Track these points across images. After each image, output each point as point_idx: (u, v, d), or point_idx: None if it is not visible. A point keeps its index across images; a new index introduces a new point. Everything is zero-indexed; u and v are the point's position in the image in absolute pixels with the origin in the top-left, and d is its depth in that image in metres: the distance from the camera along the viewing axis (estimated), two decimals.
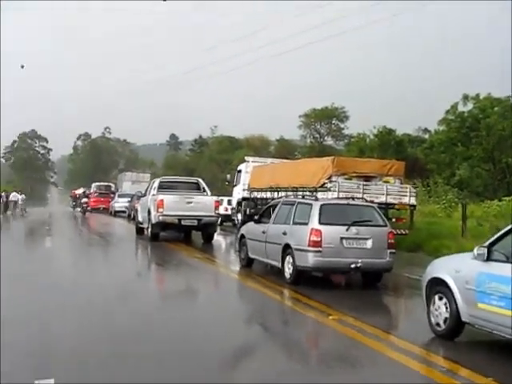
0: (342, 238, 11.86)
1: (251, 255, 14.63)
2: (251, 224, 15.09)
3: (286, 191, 22.80)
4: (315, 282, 12.81)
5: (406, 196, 21.01)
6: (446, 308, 7.83)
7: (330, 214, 12.18)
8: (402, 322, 10.33)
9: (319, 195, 20.00)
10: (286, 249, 12.48)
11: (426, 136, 56.31)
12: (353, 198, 14.67)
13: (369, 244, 12.02)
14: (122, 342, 7.63)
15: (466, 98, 45.55)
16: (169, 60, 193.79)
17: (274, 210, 13.96)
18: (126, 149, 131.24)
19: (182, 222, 21.11)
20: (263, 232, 13.73)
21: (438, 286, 8.01)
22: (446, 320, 7.85)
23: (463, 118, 44.80)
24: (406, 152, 47.32)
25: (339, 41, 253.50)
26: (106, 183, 61.18)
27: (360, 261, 11.78)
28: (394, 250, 12.35)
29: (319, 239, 11.74)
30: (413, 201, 21.16)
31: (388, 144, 49.78)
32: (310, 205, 12.44)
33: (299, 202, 13.11)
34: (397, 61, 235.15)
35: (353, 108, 73.75)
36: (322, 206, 12.26)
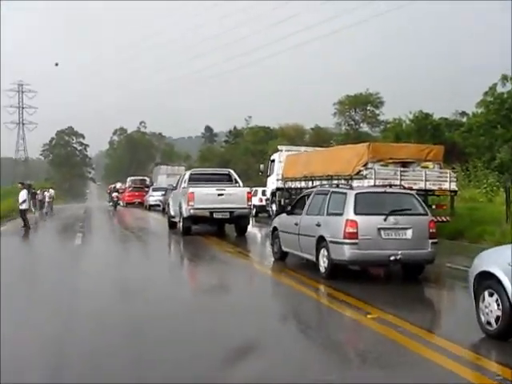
0: (379, 229, 11.09)
1: (284, 248, 13.94)
2: (284, 216, 14.39)
3: (321, 180, 22.22)
4: (352, 276, 12.09)
5: (446, 181, 20.21)
6: (498, 305, 7.05)
7: (366, 204, 11.43)
8: (448, 319, 9.40)
9: (355, 183, 19.40)
10: (321, 241, 11.75)
11: (464, 119, 55.26)
12: (390, 186, 13.84)
13: (409, 234, 11.22)
14: (153, 343, 7.27)
15: (504, 78, 44.61)
16: (201, 53, 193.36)
17: (306, 201, 13.24)
18: (161, 142, 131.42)
19: (214, 215, 20.49)
20: (296, 224, 13.01)
21: (488, 281, 7.23)
22: (498, 319, 7.07)
23: (502, 99, 43.76)
24: (444, 136, 46.19)
25: (371, 25, 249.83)
26: (140, 177, 60.81)
27: (400, 252, 10.98)
28: (436, 240, 11.53)
29: (355, 230, 10.99)
30: (453, 186, 20.35)
31: (425, 129, 48.82)
32: (345, 194, 11.68)
33: (333, 192, 12.33)
34: (431, 44, 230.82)
35: (387, 93, 72.38)
36: (357, 194, 11.49)
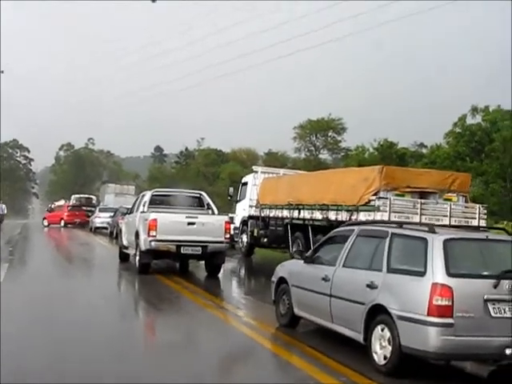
0: (486, 301, 6.76)
1: (298, 312, 9.36)
2: (299, 263, 9.66)
3: (312, 209, 18.17)
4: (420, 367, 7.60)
5: (474, 218, 16.29)
6: None
7: (461, 258, 7.08)
8: None
9: (361, 216, 15.55)
10: (377, 313, 7.32)
11: (424, 151, 55.04)
12: (478, 228, 9.49)
13: None
14: None
15: (474, 109, 44.43)
16: (153, 71, 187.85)
17: (339, 244, 8.77)
18: (109, 160, 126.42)
19: (182, 250, 15.70)
20: (324, 279, 8.48)
21: None
22: None
23: (472, 131, 43.36)
24: (408, 167, 43.99)
25: (331, 48, 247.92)
26: (86, 195, 56.07)
27: None
28: None
29: (449, 303, 6.61)
30: (483, 224, 16.38)
31: (390, 158, 47.30)
32: (423, 240, 7.20)
33: (395, 234, 7.78)
34: (386, 74, 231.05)
35: (347, 121, 69.21)
36: (447, 241, 7.05)
